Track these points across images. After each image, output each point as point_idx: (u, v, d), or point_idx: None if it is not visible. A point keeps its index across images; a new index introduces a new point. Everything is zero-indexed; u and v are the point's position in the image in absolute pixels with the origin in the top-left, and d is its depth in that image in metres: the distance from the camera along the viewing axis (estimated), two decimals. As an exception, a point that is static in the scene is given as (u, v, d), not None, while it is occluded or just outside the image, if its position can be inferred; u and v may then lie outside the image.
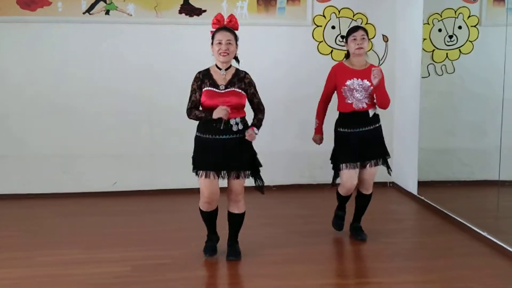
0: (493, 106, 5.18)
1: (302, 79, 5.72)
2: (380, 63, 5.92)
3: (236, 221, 3.82)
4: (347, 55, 4.13)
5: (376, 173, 4.13)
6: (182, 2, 5.56)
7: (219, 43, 3.58)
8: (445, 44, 5.53)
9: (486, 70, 5.37)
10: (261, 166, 3.78)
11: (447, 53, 5.53)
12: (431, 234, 4.40)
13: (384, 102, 4.02)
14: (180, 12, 5.58)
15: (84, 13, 5.47)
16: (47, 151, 5.58)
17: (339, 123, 4.10)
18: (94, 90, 5.56)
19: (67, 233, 4.45)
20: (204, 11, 5.57)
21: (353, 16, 5.84)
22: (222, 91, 3.59)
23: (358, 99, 3.98)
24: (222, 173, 3.64)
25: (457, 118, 5.55)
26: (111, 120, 5.62)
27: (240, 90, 3.62)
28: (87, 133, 5.61)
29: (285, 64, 5.73)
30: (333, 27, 5.82)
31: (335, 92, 4.13)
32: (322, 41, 5.81)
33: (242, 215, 3.82)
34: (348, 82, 3.96)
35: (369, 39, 4.09)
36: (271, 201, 5.36)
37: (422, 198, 5.28)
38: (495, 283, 3.38)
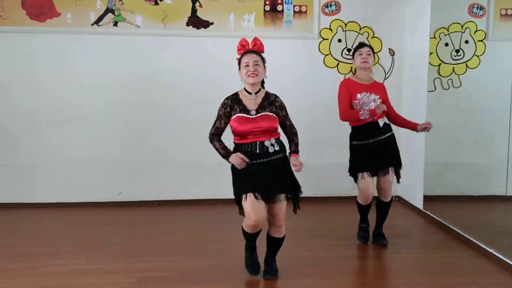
0: (499, 121, 5.19)
1: (307, 92, 5.74)
2: (386, 77, 5.93)
3: (276, 244, 3.68)
4: (354, 71, 4.42)
5: (392, 180, 4.31)
6: (189, 15, 5.60)
7: (247, 65, 3.49)
8: (452, 59, 5.54)
9: (493, 84, 5.38)
10: (300, 188, 3.61)
11: (453, 68, 5.54)
12: (437, 250, 4.37)
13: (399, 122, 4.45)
14: (188, 24, 5.61)
15: (92, 24, 5.51)
16: (53, 160, 5.60)
17: (353, 136, 4.31)
18: (101, 100, 5.59)
19: (73, 243, 4.44)
20: (212, 23, 5.61)
21: (360, 29, 5.85)
22: (253, 116, 3.48)
23: (366, 112, 4.16)
24: (265, 196, 3.48)
25: (463, 132, 5.56)
26: (117, 130, 5.64)
27: (271, 114, 3.53)
28: (93, 143, 5.63)
29: (291, 76, 5.74)
30: (339, 40, 5.84)
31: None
32: (328, 54, 5.83)
33: (282, 239, 3.67)
34: (359, 96, 4.18)
35: (374, 56, 4.32)
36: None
37: (428, 212, 5.25)
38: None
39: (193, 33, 5.57)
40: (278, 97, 3.64)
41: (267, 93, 3.62)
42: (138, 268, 3.84)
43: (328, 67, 5.84)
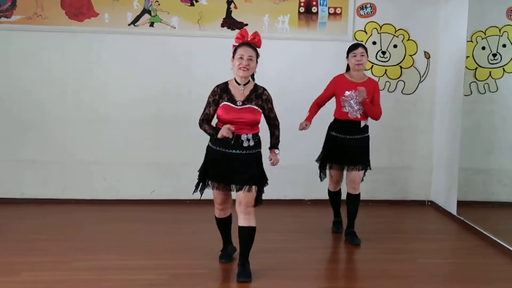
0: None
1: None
2: (421, 80, 5.87)
3: (245, 236, 3.62)
4: (347, 68, 4.57)
5: (361, 174, 4.55)
6: (224, 16, 5.65)
7: (241, 57, 3.58)
8: (489, 62, 5.45)
9: (530, 89, 5.27)
10: (267, 181, 3.74)
11: (490, 72, 5.44)
12: (471, 256, 4.31)
13: (373, 116, 4.47)
14: (223, 25, 5.66)
15: (129, 24, 5.60)
16: (87, 157, 5.70)
17: (332, 128, 4.58)
18: (136, 99, 5.66)
19: (104, 239, 4.51)
20: (246, 25, 5.63)
21: (395, 32, 5.80)
22: (239, 107, 3.59)
23: (353, 109, 4.39)
24: (231, 186, 3.68)
25: (499, 137, 5.46)
26: (150, 128, 5.71)
27: (256, 107, 3.61)
28: (127, 141, 5.71)
29: (324, 78, 5.69)
30: (374, 43, 5.80)
31: (330, 99, 4.62)
32: (362, 57, 5.78)
33: (252, 230, 3.61)
34: (347, 93, 4.38)
35: (368, 55, 4.51)
36: (306, 214, 5.37)
37: (461, 218, 5.17)
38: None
39: (228, 34, 5.60)
40: (266, 90, 3.72)
41: (255, 86, 3.70)
42: (169, 265, 3.89)
43: (362, 69, 5.80)
